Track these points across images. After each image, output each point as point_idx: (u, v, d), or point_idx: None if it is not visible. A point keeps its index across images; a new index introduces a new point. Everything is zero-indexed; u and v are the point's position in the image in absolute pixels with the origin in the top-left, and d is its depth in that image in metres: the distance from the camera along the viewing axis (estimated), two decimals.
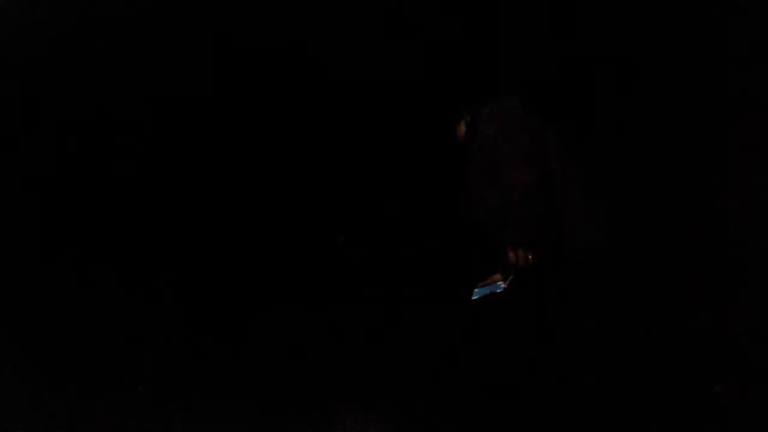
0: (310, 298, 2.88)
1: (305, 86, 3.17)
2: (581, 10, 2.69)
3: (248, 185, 3.27)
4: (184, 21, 3.09)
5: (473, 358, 2.35)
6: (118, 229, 3.16)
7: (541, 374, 2.19)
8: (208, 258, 3.12)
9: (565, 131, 2.18)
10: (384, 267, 2.92)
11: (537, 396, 2.15)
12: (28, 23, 3.01)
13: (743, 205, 2.26)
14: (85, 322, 2.58)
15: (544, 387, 2.17)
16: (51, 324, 2.54)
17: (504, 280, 2.19)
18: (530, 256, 2.04)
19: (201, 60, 3.16)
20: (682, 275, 2.30)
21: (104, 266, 2.99)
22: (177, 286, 2.90)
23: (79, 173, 3.17)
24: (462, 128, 2.33)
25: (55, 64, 3.06)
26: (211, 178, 3.28)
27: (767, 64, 2.25)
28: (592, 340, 2.16)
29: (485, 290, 2.22)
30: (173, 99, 3.15)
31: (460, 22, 2.91)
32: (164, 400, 2.09)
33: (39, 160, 3.11)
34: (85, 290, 2.82)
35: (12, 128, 3.10)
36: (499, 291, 2.19)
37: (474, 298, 2.22)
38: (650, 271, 2.34)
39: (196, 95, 3.15)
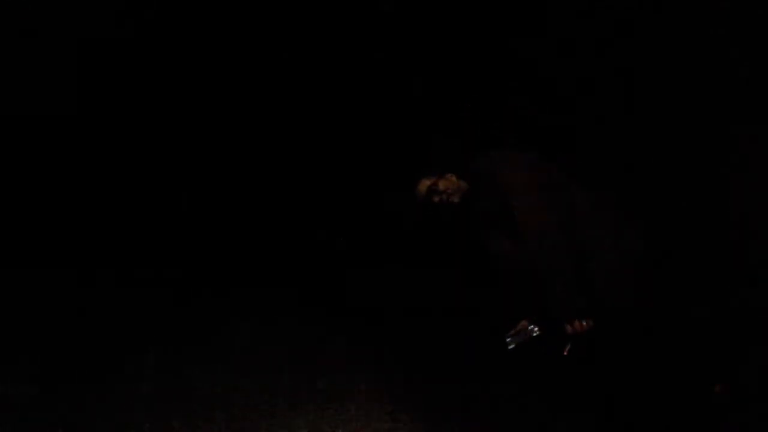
0: (310, 300, 2.88)
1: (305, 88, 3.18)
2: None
3: (244, 185, 3.27)
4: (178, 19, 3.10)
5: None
6: (117, 229, 3.16)
7: (539, 372, 2.20)
8: (208, 259, 3.12)
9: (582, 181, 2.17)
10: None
11: (535, 394, 2.15)
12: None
13: (743, 205, 2.27)
14: (85, 322, 2.57)
15: (542, 386, 2.17)
16: (51, 324, 2.54)
17: (530, 325, 2.18)
18: (585, 323, 1.99)
19: (193, 57, 3.17)
20: (681, 275, 2.30)
21: (104, 266, 2.99)
22: (177, 285, 2.90)
23: (76, 172, 3.17)
24: (422, 188, 2.29)
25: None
26: (206, 179, 3.28)
27: (765, 65, 2.26)
28: (592, 340, 2.16)
29: (519, 338, 2.20)
30: (166, 97, 3.15)
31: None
32: (164, 400, 2.09)
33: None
34: (85, 290, 2.81)
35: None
36: (534, 335, 2.18)
37: (510, 347, 2.21)
38: (650, 271, 2.34)
39: (185, 92, 3.15)
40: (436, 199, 2.26)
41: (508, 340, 2.21)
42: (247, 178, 3.25)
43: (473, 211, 2.24)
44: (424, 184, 2.30)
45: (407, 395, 2.18)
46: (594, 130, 2.74)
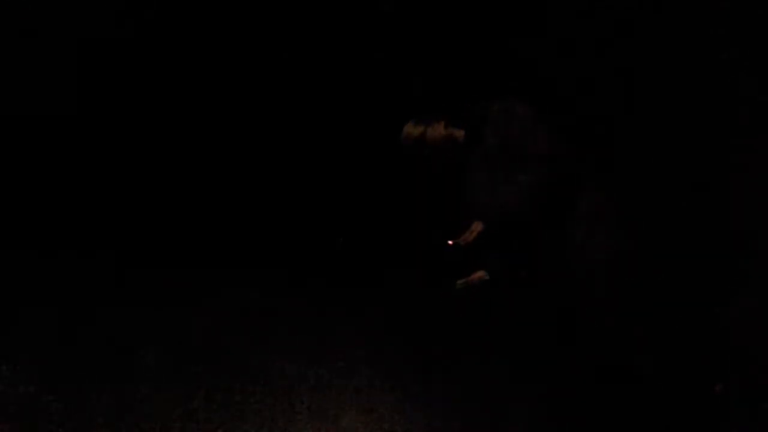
0: (310, 300, 2.88)
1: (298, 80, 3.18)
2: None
3: (241, 184, 3.27)
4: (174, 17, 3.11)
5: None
6: (117, 228, 3.16)
7: (537, 373, 2.20)
8: (208, 259, 3.12)
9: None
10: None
11: (532, 395, 2.16)
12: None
13: (743, 205, 2.27)
14: (84, 322, 2.57)
15: (540, 387, 2.18)
16: (50, 324, 2.54)
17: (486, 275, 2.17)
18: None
19: (193, 57, 3.17)
20: (681, 275, 2.31)
21: (104, 266, 2.99)
22: (177, 285, 2.90)
23: (75, 172, 3.18)
24: (410, 133, 2.20)
25: None
26: (205, 178, 3.28)
27: (766, 65, 2.26)
28: (592, 340, 2.16)
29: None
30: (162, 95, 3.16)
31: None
32: (164, 400, 2.09)
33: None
34: (84, 289, 2.81)
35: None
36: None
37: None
38: (650, 271, 2.34)
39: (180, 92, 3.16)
40: (426, 151, 2.17)
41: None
42: (246, 179, 3.25)
43: (473, 153, 2.17)
44: (411, 132, 2.17)
45: (410, 391, 2.18)
46: (594, 130, 2.74)
